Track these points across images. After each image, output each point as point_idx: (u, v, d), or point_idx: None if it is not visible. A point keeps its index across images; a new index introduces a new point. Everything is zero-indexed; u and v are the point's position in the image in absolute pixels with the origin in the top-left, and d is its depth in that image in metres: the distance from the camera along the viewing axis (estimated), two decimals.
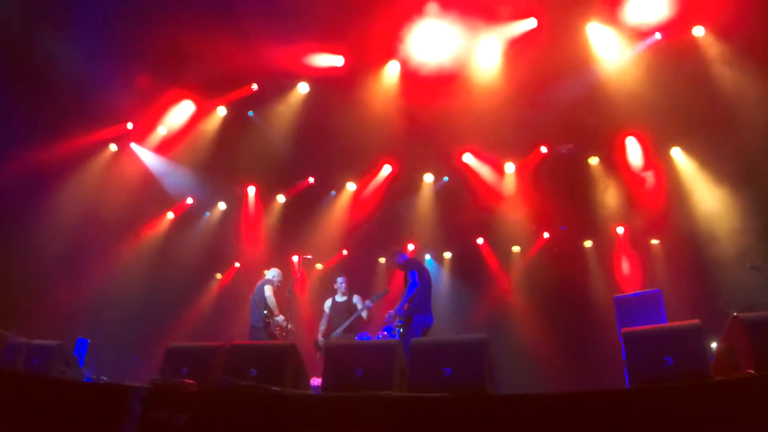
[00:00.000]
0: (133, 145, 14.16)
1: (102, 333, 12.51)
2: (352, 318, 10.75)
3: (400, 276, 10.93)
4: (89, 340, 11.84)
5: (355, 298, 11.08)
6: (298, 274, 11.23)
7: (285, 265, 11.80)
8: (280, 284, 11.19)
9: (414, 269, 9.80)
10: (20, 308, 11.40)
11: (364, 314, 10.82)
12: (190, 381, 5.40)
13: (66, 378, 6.75)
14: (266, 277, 11.40)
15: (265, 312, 10.68)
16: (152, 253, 15.22)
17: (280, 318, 10.68)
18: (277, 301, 10.94)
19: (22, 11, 10.66)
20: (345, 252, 16.35)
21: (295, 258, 10.90)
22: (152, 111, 13.52)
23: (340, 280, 11.26)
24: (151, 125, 13.97)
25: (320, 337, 10.90)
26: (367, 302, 10.84)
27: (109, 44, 11.25)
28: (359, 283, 12.63)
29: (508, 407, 4.06)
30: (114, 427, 5.20)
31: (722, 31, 10.08)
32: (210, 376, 5.46)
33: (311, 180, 15.42)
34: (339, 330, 10.64)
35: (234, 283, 16.67)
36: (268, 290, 10.89)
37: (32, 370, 6.88)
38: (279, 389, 5.04)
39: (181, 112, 13.56)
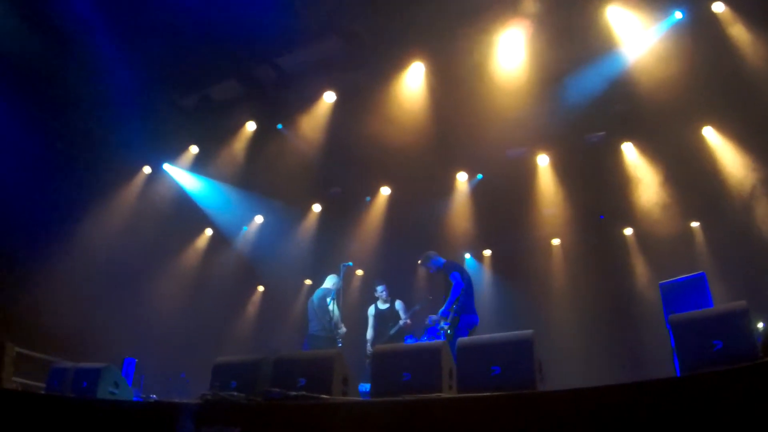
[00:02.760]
0: (167, 165, 14.35)
1: (149, 352, 12.64)
2: (396, 328, 10.73)
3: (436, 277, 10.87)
4: (136, 360, 11.97)
5: (398, 304, 11.03)
6: (341, 282, 11.05)
7: (325, 274, 11.77)
8: (339, 292, 11.05)
9: (456, 270, 9.76)
10: (65, 332, 11.57)
11: (405, 322, 10.79)
12: (240, 394, 5.44)
13: (115, 399, 6.82)
14: (326, 285, 11.31)
15: (331, 325, 10.63)
16: (194, 270, 15.40)
17: (344, 330, 10.66)
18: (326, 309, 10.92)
19: (51, 38, 10.88)
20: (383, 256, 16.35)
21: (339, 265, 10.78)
22: (183, 130, 13.71)
23: (380, 288, 11.17)
24: (183, 145, 14.18)
25: (369, 346, 10.86)
26: (410, 312, 10.82)
27: (139, 67, 11.44)
28: (400, 286, 12.57)
29: (561, 403, 4.01)
30: None
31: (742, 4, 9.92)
32: (259, 389, 5.49)
33: (345, 187, 15.48)
34: (385, 339, 10.62)
35: (275, 295, 16.78)
36: (333, 303, 10.78)
37: (81, 393, 6.94)
38: (328, 397, 5.06)
39: (212, 129, 13.70)
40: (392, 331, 10.72)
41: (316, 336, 10.72)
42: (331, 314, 10.65)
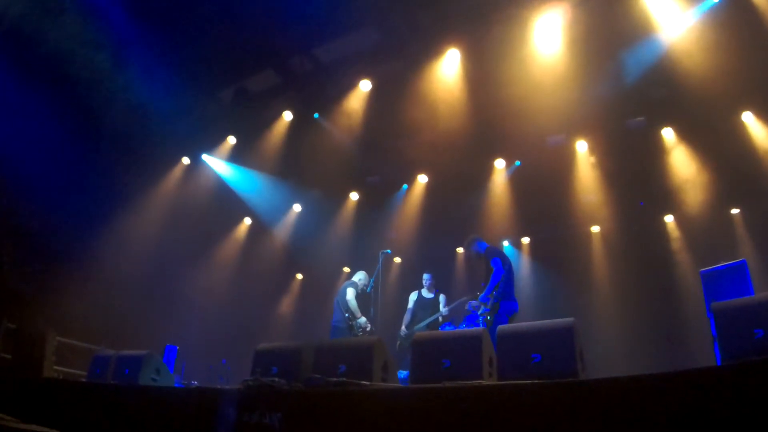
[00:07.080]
0: (205, 156, 14.51)
1: (190, 339, 12.82)
2: (433, 318, 10.68)
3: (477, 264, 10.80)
4: (177, 347, 12.15)
5: (441, 298, 10.97)
6: (379, 270, 10.90)
7: (364, 261, 11.79)
8: (365, 287, 11.06)
9: (497, 256, 9.65)
10: (107, 321, 11.77)
11: (441, 315, 10.76)
12: (281, 381, 5.49)
13: (157, 385, 6.93)
14: (352, 279, 11.36)
15: (347, 315, 10.71)
16: (233, 258, 15.58)
17: (363, 320, 10.59)
18: (362, 300, 10.94)
19: (89, 36, 11.03)
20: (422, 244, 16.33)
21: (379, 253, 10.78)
22: (221, 121, 13.83)
23: (427, 277, 11.10)
24: (221, 135, 14.32)
25: (403, 328, 10.84)
26: (450, 306, 10.75)
27: (177, 60, 11.55)
28: (438, 273, 12.51)
29: (602, 392, 3.96)
30: (209, 430, 5.32)
31: None
32: (300, 375, 5.54)
33: (382, 175, 15.50)
34: (422, 324, 10.60)
35: (314, 282, 16.90)
36: (350, 293, 10.81)
37: (122, 380, 7.07)
38: (368, 383, 5.08)
39: (250, 119, 13.81)
40: (425, 322, 10.67)
41: (337, 327, 10.79)
42: (347, 305, 10.73)
